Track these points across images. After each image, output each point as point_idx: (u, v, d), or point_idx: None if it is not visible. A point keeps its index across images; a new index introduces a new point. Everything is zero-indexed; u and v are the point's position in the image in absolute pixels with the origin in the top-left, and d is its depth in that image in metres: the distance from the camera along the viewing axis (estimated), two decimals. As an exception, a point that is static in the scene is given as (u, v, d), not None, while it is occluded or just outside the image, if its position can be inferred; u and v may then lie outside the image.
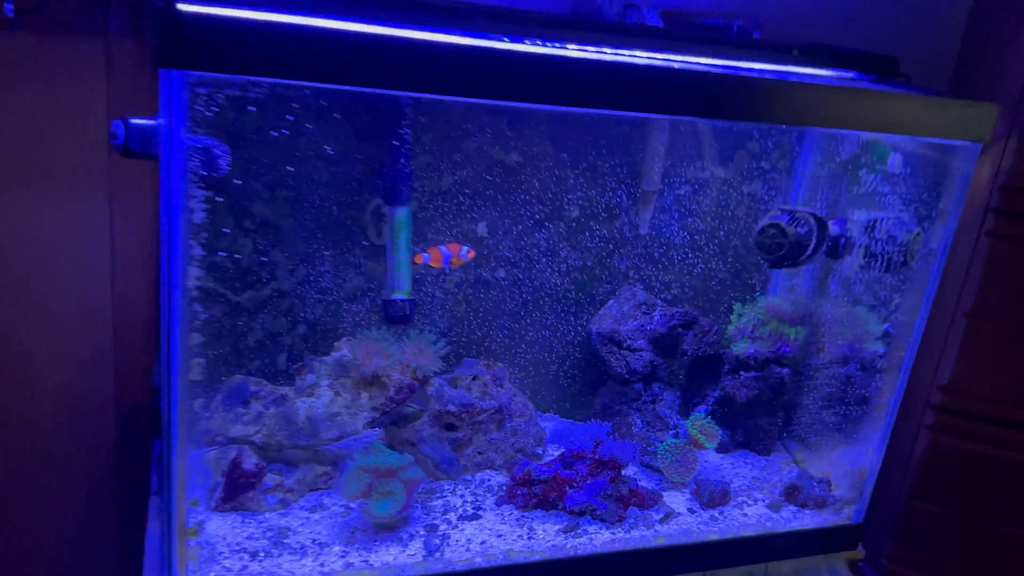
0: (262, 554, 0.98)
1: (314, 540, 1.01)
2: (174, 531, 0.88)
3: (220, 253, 1.10)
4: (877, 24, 1.48)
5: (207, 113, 0.79)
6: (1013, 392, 1.24)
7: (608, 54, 1.02)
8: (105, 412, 1.35)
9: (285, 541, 1.01)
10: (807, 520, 1.22)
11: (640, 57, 1.05)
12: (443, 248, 1.14)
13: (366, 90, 0.80)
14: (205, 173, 0.82)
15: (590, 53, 0.99)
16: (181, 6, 0.72)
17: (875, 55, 1.28)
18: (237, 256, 1.12)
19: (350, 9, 0.89)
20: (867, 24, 1.49)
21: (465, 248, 1.13)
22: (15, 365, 1.28)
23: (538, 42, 1.01)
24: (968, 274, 1.25)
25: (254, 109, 0.99)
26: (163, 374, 0.83)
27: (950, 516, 1.32)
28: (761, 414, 1.31)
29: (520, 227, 1.27)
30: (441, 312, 1.27)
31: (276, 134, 1.06)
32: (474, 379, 1.20)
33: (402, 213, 1.13)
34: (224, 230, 1.08)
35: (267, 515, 1.05)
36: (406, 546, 1.03)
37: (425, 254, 1.12)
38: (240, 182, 1.08)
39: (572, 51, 0.97)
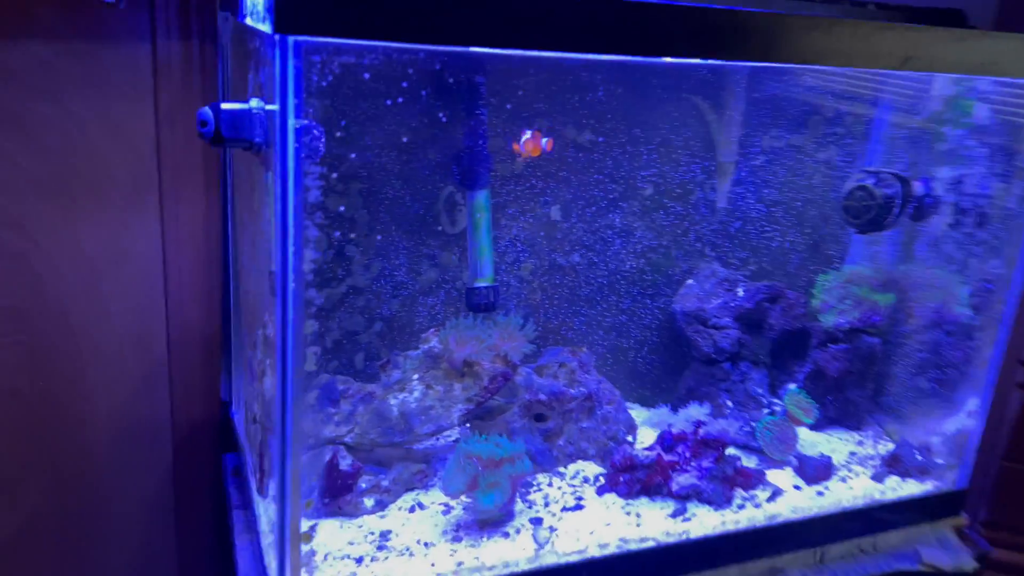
0: (368, 559, 0.93)
1: (418, 540, 0.97)
2: (287, 537, 0.83)
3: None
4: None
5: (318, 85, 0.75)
6: (1111, 346, 1.21)
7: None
8: (161, 434, 1.29)
9: (388, 544, 0.96)
10: (912, 488, 1.18)
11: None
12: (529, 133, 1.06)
13: (461, 49, 0.75)
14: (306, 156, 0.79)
15: None
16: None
17: (943, 9, 1.26)
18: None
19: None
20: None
21: (544, 139, 1.07)
22: (67, 393, 1.22)
23: None
24: (1056, 228, 1.21)
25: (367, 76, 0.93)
26: (278, 372, 0.79)
27: (1049, 479, 1.28)
28: (852, 387, 1.26)
29: (593, 208, 1.23)
30: (517, 301, 1.23)
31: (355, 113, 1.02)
32: (561, 366, 1.15)
33: (482, 196, 1.09)
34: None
35: (365, 519, 1.00)
36: (514, 540, 0.98)
37: (521, 145, 1.05)
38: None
39: None
